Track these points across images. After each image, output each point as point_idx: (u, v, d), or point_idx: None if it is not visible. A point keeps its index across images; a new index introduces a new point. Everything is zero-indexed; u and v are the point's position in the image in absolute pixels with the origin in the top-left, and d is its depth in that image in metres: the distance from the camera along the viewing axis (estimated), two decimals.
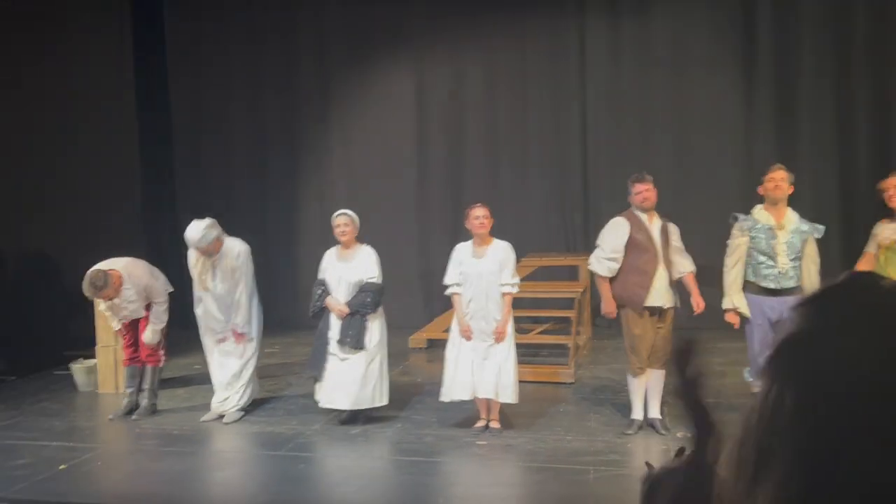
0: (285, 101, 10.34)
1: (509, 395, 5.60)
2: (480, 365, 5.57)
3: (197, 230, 5.90)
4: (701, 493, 0.99)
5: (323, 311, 5.96)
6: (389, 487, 4.75)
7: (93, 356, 7.35)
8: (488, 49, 9.75)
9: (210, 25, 10.42)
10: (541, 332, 8.39)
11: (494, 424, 5.74)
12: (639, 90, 9.34)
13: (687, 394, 1.05)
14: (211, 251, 6.01)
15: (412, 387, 7.10)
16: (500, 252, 5.64)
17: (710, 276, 9.03)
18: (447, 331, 8.40)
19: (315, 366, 5.92)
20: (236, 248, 6.11)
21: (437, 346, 8.69)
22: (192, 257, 6.10)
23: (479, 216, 5.62)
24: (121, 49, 9.65)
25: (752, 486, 0.67)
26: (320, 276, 6.02)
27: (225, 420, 6.10)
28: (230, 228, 6.37)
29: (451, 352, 5.72)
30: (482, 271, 5.59)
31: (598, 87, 9.48)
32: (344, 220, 5.97)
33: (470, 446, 5.42)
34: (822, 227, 5.36)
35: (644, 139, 9.38)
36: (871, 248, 5.43)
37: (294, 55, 10.30)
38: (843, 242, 8.93)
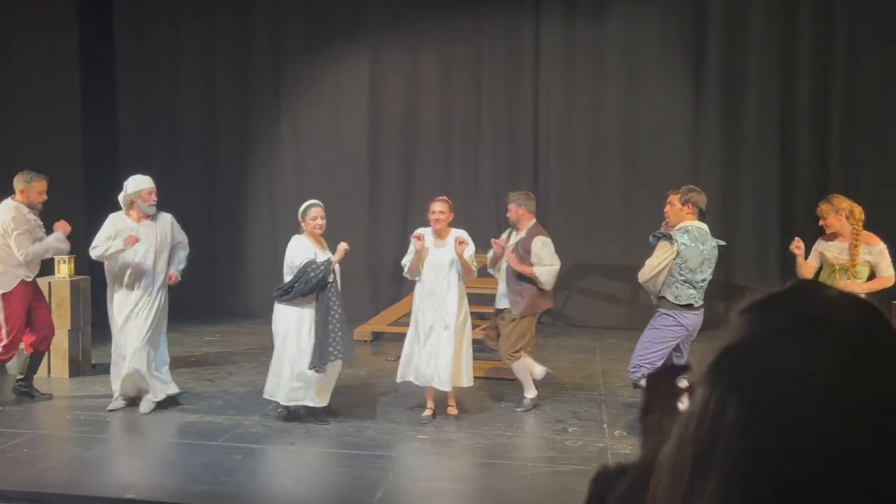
0: (236, 86, 10.14)
1: (464, 379, 5.74)
2: (436, 355, 5.61)
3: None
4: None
5: (322, 290, 5.50)
6: (328, 480, 4.71)
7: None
8: (445, 44, 9.74)
9: (161, 5, 10.15)
10: (485, 329, 8.42)
11: (452, 411, 5.85)
12: (591, 92, 9.45)
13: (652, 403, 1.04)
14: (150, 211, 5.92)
15: (355, 380, 7.06)
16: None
17: None
18: (393, 324, 8.48)
19: (323, 357, 5.48)
20: (169, 216, 6.09)
21: (382, 340, 8.66)
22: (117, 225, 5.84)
23: (435, 211, 5.69)
24: (65, 29, 9.31)
25: (687, 494, 0.65)
26: (306, 259, 5.52)
27: (143, 410, 5.89)
28: (175, 216, 6.25)
29: (410, 335, 5.82)
30: (443, 261, 5.65)
31: (551, 87, 9.55)
32: (322, 211, 5.75)
33: (411, 440, 5.42)
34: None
35: (594, 140, 9.50)
36: (813, 261, 5.50)
37: (247, 39, 10.10)
38: (782, 250, 9.20)
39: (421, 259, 5.67)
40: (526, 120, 9.67)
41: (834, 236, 5.39)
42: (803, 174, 9.17)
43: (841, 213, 5.32)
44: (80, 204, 9.59)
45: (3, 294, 5.89)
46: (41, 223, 6.04)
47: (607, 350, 8.11)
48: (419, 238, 5.66)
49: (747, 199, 9.29)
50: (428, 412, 5.82)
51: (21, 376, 6.25)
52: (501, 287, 5.96)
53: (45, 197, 5.98)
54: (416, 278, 5.78)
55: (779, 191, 9.26)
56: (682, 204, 5.31)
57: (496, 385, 6.83)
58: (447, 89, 9.78)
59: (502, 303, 5.98)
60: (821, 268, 5.49)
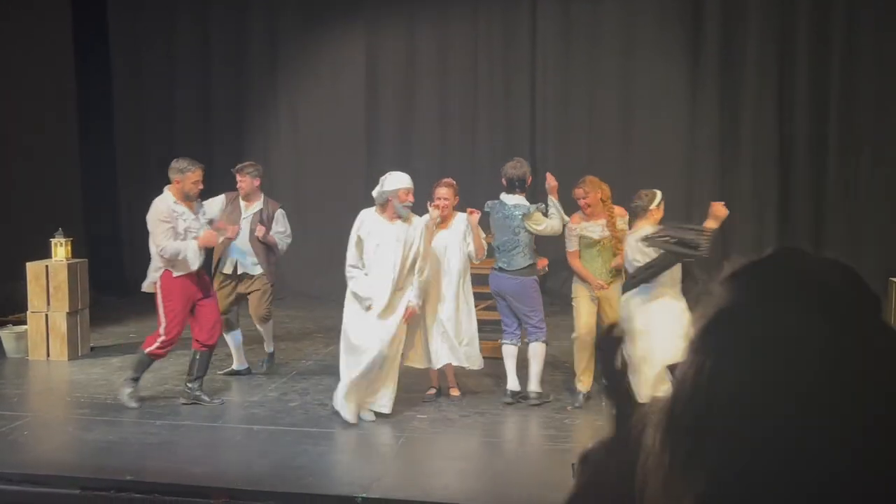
0: (232, 67, 10.06)
1: (474, 361, 5.73)
2: (440, 333, 5.60)
3: None
4: (626, 468, 0.99)
5: None
6: (328, 461, 4.73)
7: (23, 322, 7.11)
8: (441, 22, 9.66)
9: None
10: (484, 308, 8.42)
11: (454, 392, 5.82)
12: (587, 70, 9.39)
13: (613, 376, 1.06)
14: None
15: None
16: (462, 223, 5.71)
17: None
18: None
19: None
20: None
21: None
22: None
23: (440, 196, 5.65)
24: (59, 9, 9.22)
25: (685, 466, 0.64)
26: None
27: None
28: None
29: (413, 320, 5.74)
30: (448, 243, 5.65)
31: (548, 66, 9.49)
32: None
33: (410, 420, 5.43)
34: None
35: (591, 118, 9.47)
36: (573, 247, 5.68)
37: (243, 18, 10.02)
38: (779, 226, 9.19)
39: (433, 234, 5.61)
40: (523, 98, 9.61)
41: (589, 217, 5.65)
42: (801, 150, 9.15)
43: (598, 191, 5.59)
44: (76, 187, 9.57)
45: (161, 288, 5.57)
46: (194, 216, 5.65)
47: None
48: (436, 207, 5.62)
49: (745, 174, 9.27)
50: (431, 391, 5.86)
51: (189, 377, 5.76)
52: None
53: (200, 186, 5.68)
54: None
55: (776, 167, 9.24)
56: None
57: (496, 365, 6.83)
58: (444, 68, 9.71)
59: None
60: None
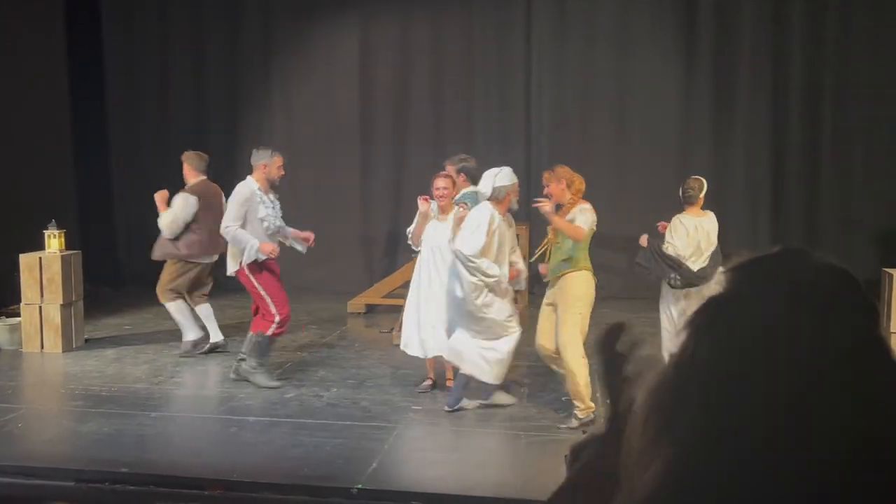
0: (226, 61, 10.01)
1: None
2: (437, 325, 5.59)
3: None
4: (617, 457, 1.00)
5: None
6: (323, 451, 4.73)
7: (17, 314, 7.09)
8: (436, 14, 9.62)
9: None
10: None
11: (451, 384, 5.81)
12: (582, 64, 9.36)
13: (610, 368, 1.06)
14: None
15: (349, 352, 7.08)
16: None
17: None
18: (387, 296, 8.48)
19: None
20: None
21: (376, 312, 8.67)
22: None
23: (439, 187, 5.64)
24: (51, 9, 9.14)
25: (658, 434, 0.68)
26: None
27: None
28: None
29: (410, 303, 5.74)
30: (445, 235, 5.62)
31: (543, 56, 9.47)
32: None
33: (405, 411, 5.44)
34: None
35: (586, 109, 9.45)
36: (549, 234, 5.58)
37: (236, 13, 9.96)
38: (772, 226, 9.22)
39: (426, 223, 5.64)
40: (518, 90, 9.59)
41: (561, 209, 5.31)
42: (794, 138, 9.18)
43: (562, 181, 5.24)
44: (70, 178, 9.53)
45: (253, 276, 5.76)
46: (274, 205, 5.93)
47: (602, 320, 8.10)
48: (426, 200, 5.66)
49: (739, 164, 9.29)
50: (428, 383, 5.84)
51: (244, 356, 5.97)
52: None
53: (283, 172, 6.02)
54: (418, 248, 5.77)
55: (770, 156, 9.26)
56: (457, 174, 5.75)
57: None
58: (438, 60, 9.68)
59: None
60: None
